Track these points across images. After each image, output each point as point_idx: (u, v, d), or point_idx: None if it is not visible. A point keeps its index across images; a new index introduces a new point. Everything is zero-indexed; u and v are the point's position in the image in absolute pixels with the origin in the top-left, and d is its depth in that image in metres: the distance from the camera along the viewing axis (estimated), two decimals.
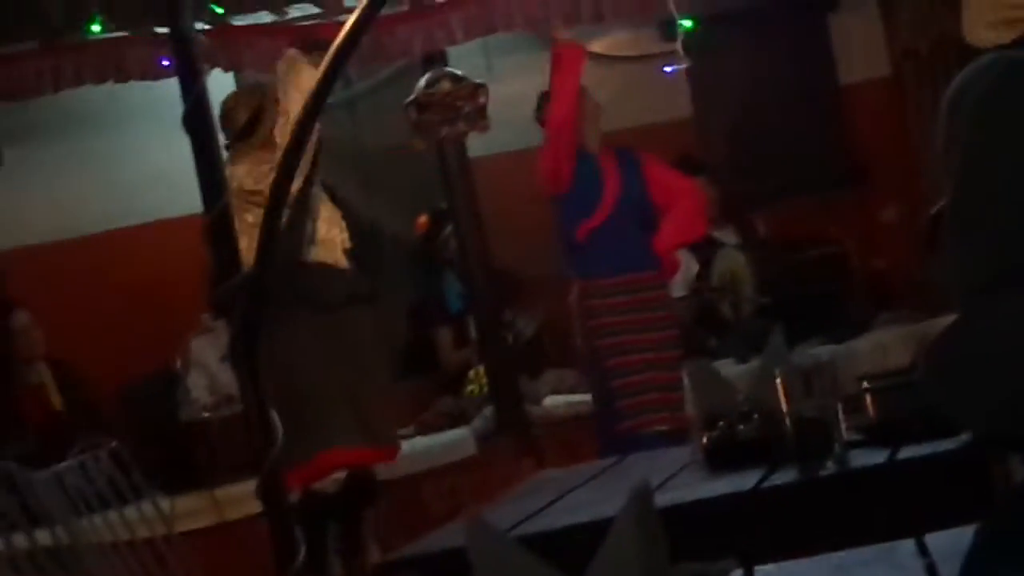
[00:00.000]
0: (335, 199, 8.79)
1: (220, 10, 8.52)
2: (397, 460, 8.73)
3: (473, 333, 10.47)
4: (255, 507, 5.46)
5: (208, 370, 9.62)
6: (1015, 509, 1.81)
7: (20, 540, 5.44)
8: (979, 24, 3.75)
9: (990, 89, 3.55)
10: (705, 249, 10.70)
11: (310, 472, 7.98)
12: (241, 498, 8.40)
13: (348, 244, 8.62)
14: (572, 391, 10.43)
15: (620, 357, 8.97)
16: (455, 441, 10.01)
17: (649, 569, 2.50)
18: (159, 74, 8.33)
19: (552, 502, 4.95)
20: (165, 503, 6.74)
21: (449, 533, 4.77)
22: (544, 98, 9.26)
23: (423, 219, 11.12)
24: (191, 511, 8.40)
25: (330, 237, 8.48)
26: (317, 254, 8.34)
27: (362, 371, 8.44)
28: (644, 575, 2.48)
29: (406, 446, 9.92)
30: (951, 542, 3.01)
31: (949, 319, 3.70)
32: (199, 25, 5.76)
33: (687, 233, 9.44)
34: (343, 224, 8.68)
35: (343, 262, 8.53)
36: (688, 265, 10.73)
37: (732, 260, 10.73)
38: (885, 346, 9.58)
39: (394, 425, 8.78)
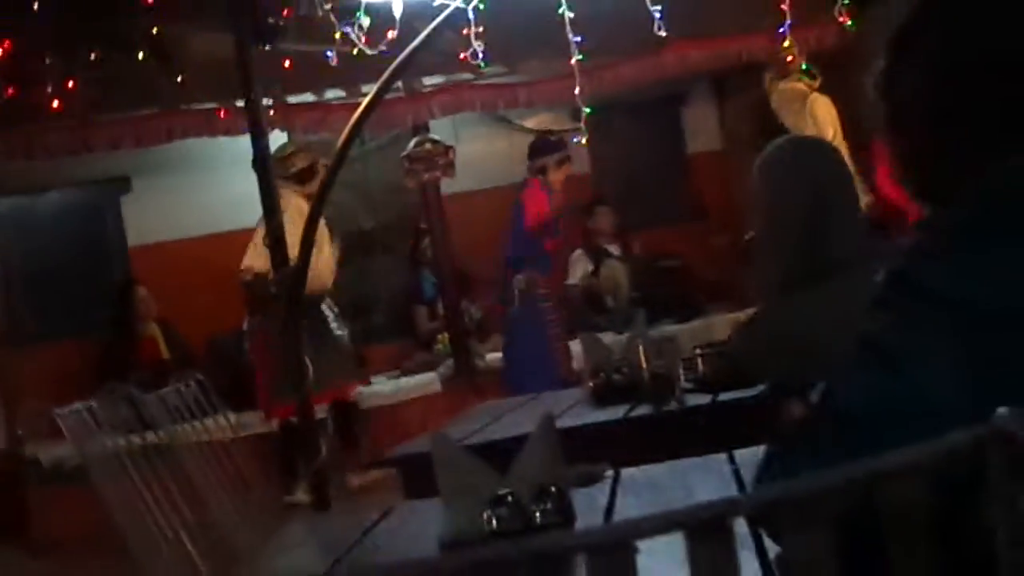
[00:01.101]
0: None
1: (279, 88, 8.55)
2: (335, 397, 8.79)
3: (441, 311, 10.48)
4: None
5: None
6: (791, 432, 1.82)
7: (136, 440, 5.42)
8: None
9: (786, 159, 3.58)
10: (598, 256, 10.75)
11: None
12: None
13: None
14: None
15: None
16: (427, 382, 9.98)
17: (552, 469, 2.50)
18: (238, 132, 8.31)
19: (488, 423, 4.95)
20: (232, 417, 6.71)
21: (419, 443, 4.76)
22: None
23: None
24: (249, 423, 8.37)
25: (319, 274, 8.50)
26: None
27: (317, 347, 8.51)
28: (549, 473, 2.48)
29: (393, 384, 9.94)
30: (749, 455, 3.03)
31: (751, 311, 3.73)
32: (266, 100, 5.76)
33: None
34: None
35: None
36: (585, 265, 10.76)
37: (614, 269, 10.74)
38: (712, 326, 9.61)
39: (336, 378, 8.73)
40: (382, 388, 9.90)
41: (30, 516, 8.63)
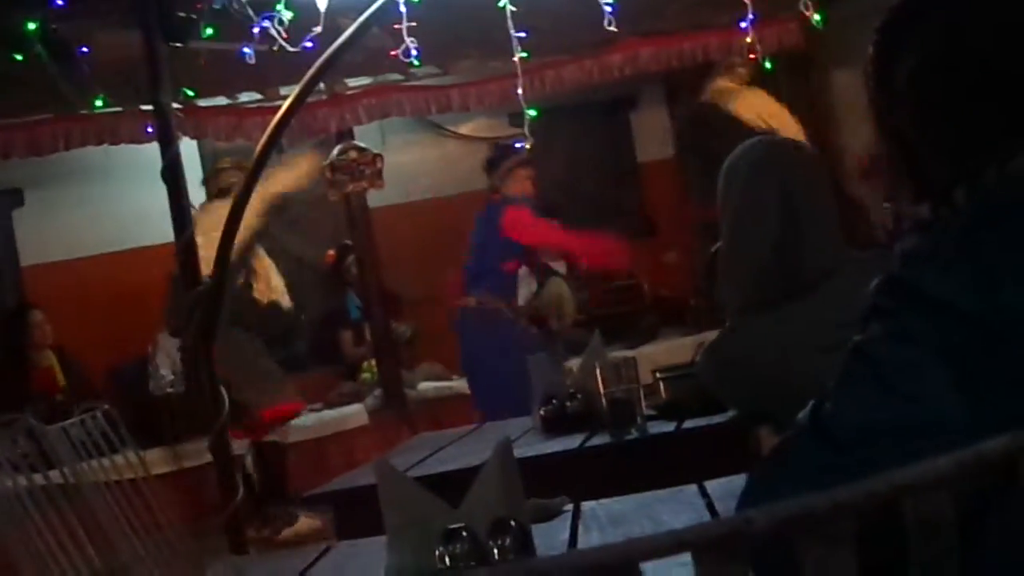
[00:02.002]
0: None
1: (190, 92, 8.45)
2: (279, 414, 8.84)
3: (368, 335, 10.45)
4: (206, 458, 5.40)
5: (171, 356, 9.54)
6: (776, 458, 1.83)
7: (37, 478, 5.36)
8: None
9: (754, 163, 3.59)
10: (542, 273, 10.75)
11: None
12: (194, 452, 8.36)
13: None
14: (438, 379, 10.43)
15: None
16: (352, 414, 9.96)
17: (510, 502, 2.49)
18: (143, 139, 8.24)
19: (428, 456, 4.94)
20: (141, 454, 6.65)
21: (356, 476, 4.76)
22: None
23: (331, 251, 11.10)
24: (157, 460, 8.31)
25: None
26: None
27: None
28: (507, 506, 2.47)
29: (315, 417, 9.90)
30: (722, 487, 3.04)
31: (712, 332, 3.75)
32: (174, 104, 5.70)
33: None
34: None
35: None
36: (529, 285, 10.75)
37: (558, 287, 10.70)
38: (668, 349, 9.63)
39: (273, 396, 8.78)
40: (303, 422, 9.85)
41: None
